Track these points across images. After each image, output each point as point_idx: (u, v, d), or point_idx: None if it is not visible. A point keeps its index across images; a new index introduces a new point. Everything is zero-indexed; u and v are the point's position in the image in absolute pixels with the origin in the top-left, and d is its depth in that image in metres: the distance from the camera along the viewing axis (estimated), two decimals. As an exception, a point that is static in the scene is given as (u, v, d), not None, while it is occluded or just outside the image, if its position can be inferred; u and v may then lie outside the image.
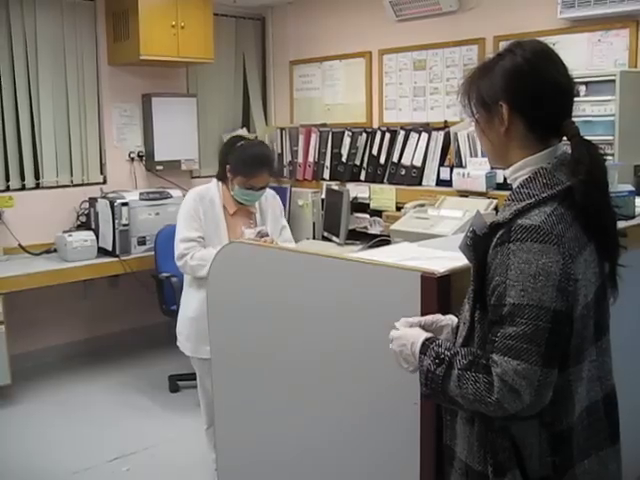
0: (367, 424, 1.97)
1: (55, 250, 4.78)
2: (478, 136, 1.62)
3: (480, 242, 1.43)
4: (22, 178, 4.97)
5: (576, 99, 1.54)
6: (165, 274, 4.37)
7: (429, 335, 1.51)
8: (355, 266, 1.96)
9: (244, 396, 2.40)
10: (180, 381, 4.61)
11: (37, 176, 5.04)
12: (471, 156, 4.36)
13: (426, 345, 1.48)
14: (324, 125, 5.51)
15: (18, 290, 4.34)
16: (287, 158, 5.65)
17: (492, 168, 4.08)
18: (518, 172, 1.51)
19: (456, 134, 4.48)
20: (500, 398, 1.33)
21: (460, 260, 1.61)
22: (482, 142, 1.60)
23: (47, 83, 5.02)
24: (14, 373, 4.35)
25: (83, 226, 4.99)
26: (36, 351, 4.93)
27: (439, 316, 1.64)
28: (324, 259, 2.09)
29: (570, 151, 1.48)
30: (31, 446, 3.86)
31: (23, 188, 4.96)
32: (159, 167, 5.46)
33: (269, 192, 3.41)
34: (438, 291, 1.70)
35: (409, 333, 1.53)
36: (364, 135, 5.12)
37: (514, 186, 1.51)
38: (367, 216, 4.93)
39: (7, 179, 4.89)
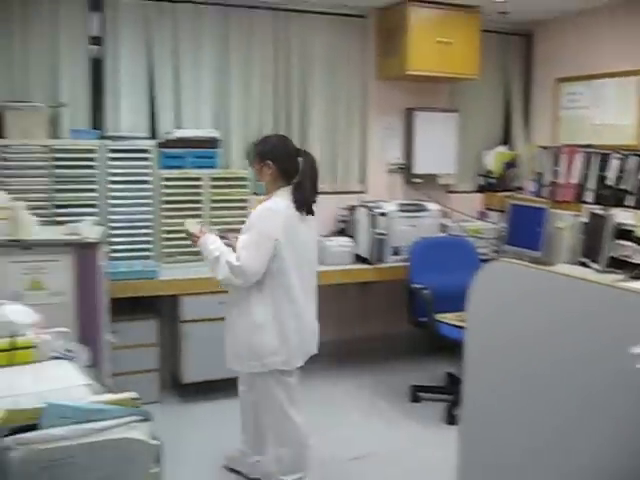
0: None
1: (314, 253, 5.06)
2: None
3: None
4: (290, 183, 5.33)
5: None
6: (418, 285, 4.47)
7: None
8: None
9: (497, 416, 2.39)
10: (422, 392, 4.68)
11: (303, 182, 5.38)
12: None
13: None
14: (589, 146, 5.30)
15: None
16: (547, 178, 5.51)
17: None
18: None
19: None
20: None
21: None
22: None
23: (318, 94, 5.37)
24: (269, 364, 4.69)
25: (341, 232, 5.25)
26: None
27: None
28: (608, 290, 1.95)
29: None
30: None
31: (290, 193, 5.32)
32: (417, 180, 5.60)
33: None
34: None
35: None
36: (634, 159, 4.84)
37: None
38: (632, 244, 4.65)
39: (277, 183, 5.28)
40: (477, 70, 5.35)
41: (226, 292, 3.35)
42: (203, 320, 4.32)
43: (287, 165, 3.23)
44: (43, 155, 4.31)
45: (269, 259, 3.10)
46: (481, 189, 5.98)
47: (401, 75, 5.27)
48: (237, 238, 3.22)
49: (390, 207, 5.00)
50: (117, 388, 1.90)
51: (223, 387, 4.46)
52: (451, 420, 4.24)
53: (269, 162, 3.22)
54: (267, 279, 3.14)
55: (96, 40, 4.81)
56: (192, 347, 4.41)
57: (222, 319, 4.31)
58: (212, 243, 3.19)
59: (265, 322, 3.16)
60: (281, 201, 3.17)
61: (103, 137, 4.55)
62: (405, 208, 5.04)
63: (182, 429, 4.11)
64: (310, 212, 3.28)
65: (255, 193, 3.48)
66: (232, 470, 3.71)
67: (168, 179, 4.59)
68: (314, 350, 3.42)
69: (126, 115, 4.82)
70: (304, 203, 3.22)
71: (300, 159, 3.26)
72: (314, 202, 3.31)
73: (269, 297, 3.16)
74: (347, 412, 4.49)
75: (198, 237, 3.25)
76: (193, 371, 4.44)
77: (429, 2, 5.10)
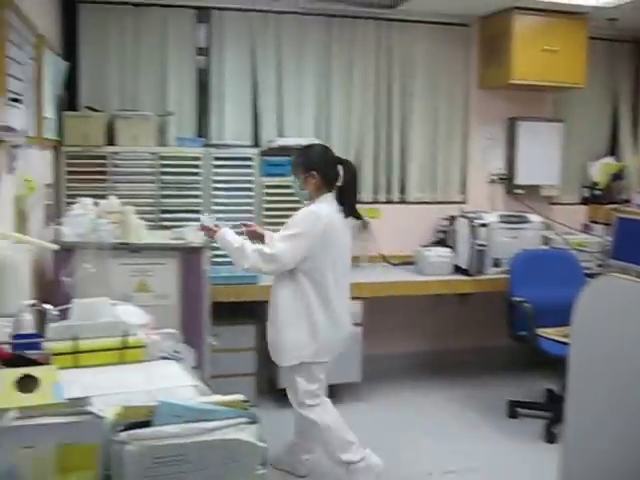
0: None
1: (412, 263, 5.06)
2: None
3: None
4: (389, 192, 5.36)
5: None
6: (518, 298, 4.37)
7: None
8: None
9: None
10: (520, 408, 4.57)
11: (402, 191, 5.40)
12: None
13: None
14: None
15: (376, 296, 4.67)
16: (659, 191, 5.31)
17: None
18: None
19: None
20: None
21: None
22: None
23: (419, 103, 5.35)
24: (364, 372, 4.70)
25: (440, 242, 5.21)
26: (385, 355, 5.27)
27: None
28: None
29: None
30: (368, 442, 4.11)
31: (389, 202, 5.35)
32: (519, 191, 5.49)
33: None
34: None
35: None
36: None
37: None
38: None
39: (376, 192, 5.31)
40: (584, 79, 5.20)
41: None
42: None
43: (330, 174, 3.42)
44: (151, 162, 4.47)
45: (304, 256, 3.28)
46: (585, 201, 5.80)
47: (504, 84, 5.19)
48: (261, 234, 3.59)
49: (491, 218, 4.92)
50: (217, 390, 1.94)
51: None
52: (550, 438, 4.13)
53: (314, 172, 3.40)
54: (302, 277, 3.34)
55: (202, 51, 4.96)
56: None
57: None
58: (229, 235, 3.39)
59: (297, 317, 3.36)
60: (325, 206, 3.36)
61: (208, 145, 4.67)
62: (506, 219, 4.95)
63: (277, 433, 4.14)
64: (354, 215, 3.48)
65: (298, 200, 3.63)
66: (280, 469, 3.77)
67: (269, 187, 4.67)
68: (343, 349, 3.56)
69: (230, 123, 4.94)
70: (347, 208, 3.43)
71: (340, 167, 3.45)
72: (355, 206, 3.50)
73: (302, 294, 3.35)
74: (439, 425, 4.43)
75: (215, 231, 3.42)
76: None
77: (534, 9, 5.00)
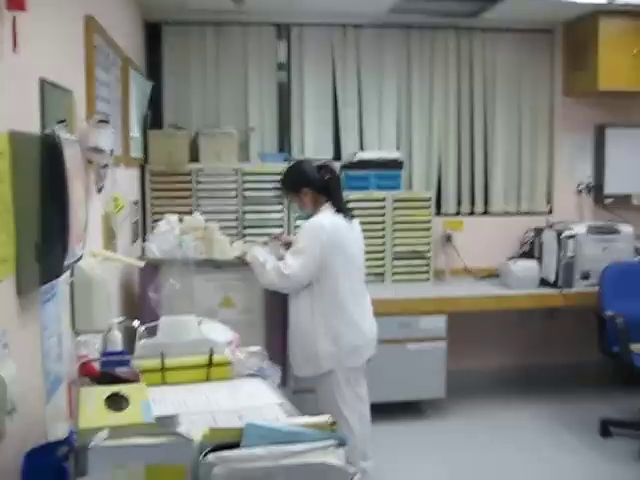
0: None
1: (497, 276, 4.95)
2: None
3: None
4: (472, 204, 5.28)
5: None
6: (610, 312, 4.22)
7: None
8: None
9: None
10: (613, 427, 4.39)
11: (486, 203, 5.31)
12: None
13: None
14: None
15: (460, 310, 4.59)
16: None
17: None
18: None
19: None
20: None
21: None
22: None
23: (502, 112, 5.25)
24: (449, 388, 4.61)
25: (526, 255, 5.08)
26: (470, 370, 5.17)
27: None
28: None
29: None
30: (452, 461, 4.06)
31: (472, 213, 5.27)
32: (608, 200, 5.31)
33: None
34: None
35: None
36: None
37: None
38: None
39: (459, 204, 5.24)
40: (678, 83, 5.00)
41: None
42: (382, 342, 4.31)
43: (319, 183, 3.45)
44: (233, 178, 4.53)
45: (316, 269, 3.31)
46: (680, 210, 5.57)
47: (592, 91, 5.04)
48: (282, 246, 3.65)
49: (579, 229, 4.78)
50: (299, 406, 1.93)
51: (402, 409, 4.46)
52: (647, 459, 3.97)
53: (305, 189, 3.45)
54: (317, 287, 3.36)
55: (282, 66, 5.01)
56: (371, 368, 4.41)
57: (401, 341, 4.30)
58: (256, 250, 3.55)
59: (315, 327, 3.36)
60: (327, 214, 3.40)
61: (289, 160, 4.70)
62: (596, 230, 4.79)
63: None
64: (346, 214, 3.47)
65: (299, 217, 3.67)
66: None
67: (351, 200, 4.65)
68: (370, 354, 3.52)
69: (311, 138, 4.97)
70: (341, 209, 3.46)
71: (322, 172, 3.49)
72: (345, 205, 3.56)
73: (318, 303, 3.36)
74: (527, 443, 4.30)
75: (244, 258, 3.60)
76: (372, 392, 4.44)
77: (623, 12, 4.84)
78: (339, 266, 3.35)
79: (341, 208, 3.46)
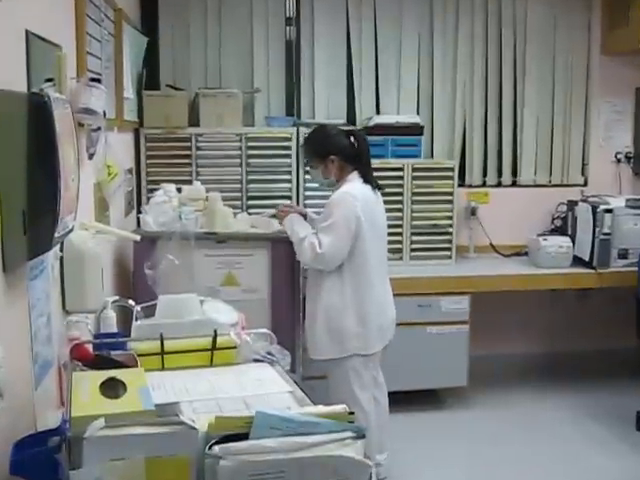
0: None
1: (526, 253, 4.95)
2: None
3: None
4: (499, 174, 5.27)
5: None
6: (651, 295, 4.20)
7: None
8: None
9: None
10: (651, 419, 4.39)
11: (514, 173, 5.29)
12: None
13: None
14: None
15: (485, 291, 4.58)
16: None
17: None
18: None
19: None
20: None
21: None
22: None
23: (533, 74, 5.22)
24: (471, 375, 4.61)
25: (558, 230, 5.08)
26: (494, 356, 5.19)
27: None
28: None
29: None
30: (474, 454, 4.07)
31: (499, 185, 5.26)
32: (651, 171, 5.29)
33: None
34: None
35: None
36: None
37: None
38: None
39: (484, 174, 5.23)
40: None
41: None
42: (399, 325, 4.30)
43: (348, 151, 3.44)
44: (237, 144, 4.50)
45: (350, 244, 3.29)
46: None
47: (633, 49, 4.97)
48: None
49: (617, 203, 4.75)
50: (309, 393, 1.92)
51: (421, 398, 4.46)
52: (688, 454, 3.96)
53: (331, 157, 3.41)
54: (347, 263, 3.34)
55: (291, 21, 4.96)
56: (388, 354, 4.41)
57: (420, 324, 4.27)
58: (298, 223, 3.46)
59: (345, 306, 3.34)
60: (356, 185, 3.38)
61: (298, 124, 4.67)
62: (635, 204, 4.76)
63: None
64: (374, 185, 3.46)
65: (321, 186, 3.64)
66: None
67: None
68: (391, 337, 3.54)
69: (322, 101, 4.95)
70: (369, 179, 3.44)
71: (352, 138, 3.47)
72: (373, 175, 3.51)
73: (348, 280, 3.34)
74: (555, 436, 4.31)
75: (285, 213, 3.51)
76: (388, 380, 4.44)
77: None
78: (369, 241, 3.34)
79: (369, 178, 3.43)
